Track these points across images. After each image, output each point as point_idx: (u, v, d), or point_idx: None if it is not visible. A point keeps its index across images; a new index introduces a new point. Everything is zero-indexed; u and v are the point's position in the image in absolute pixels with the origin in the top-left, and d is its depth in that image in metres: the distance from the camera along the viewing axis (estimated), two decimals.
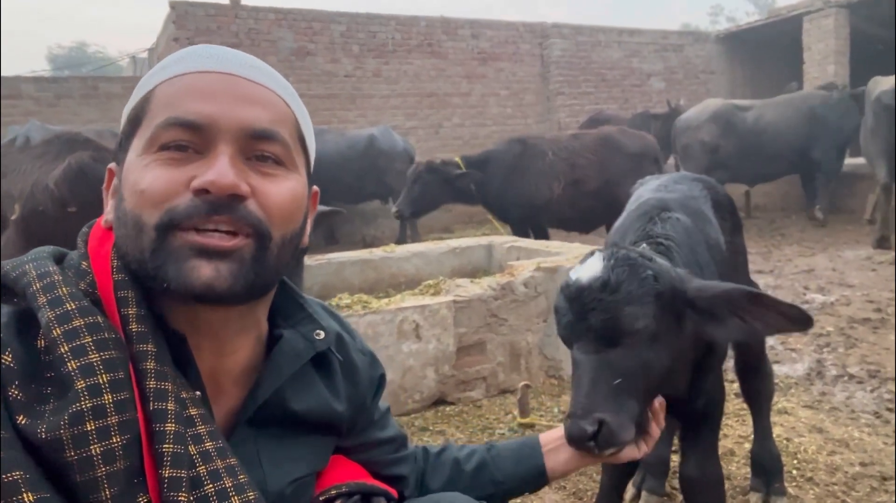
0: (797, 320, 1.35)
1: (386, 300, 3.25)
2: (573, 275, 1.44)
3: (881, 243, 6.60)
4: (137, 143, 0.79)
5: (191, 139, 0.77)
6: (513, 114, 12.11)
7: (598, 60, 12.66)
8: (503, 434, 3.00)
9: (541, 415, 3.16)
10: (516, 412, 3.12)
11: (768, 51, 13.59)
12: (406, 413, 3.19)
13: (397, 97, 11.04)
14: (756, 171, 8.72)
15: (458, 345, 3.31)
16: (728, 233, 2.05)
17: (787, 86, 10.52)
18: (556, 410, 3.23)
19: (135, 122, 0.81)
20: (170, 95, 0.79)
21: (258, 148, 0.80)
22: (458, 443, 2.93)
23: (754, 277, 6.21)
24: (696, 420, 1.86)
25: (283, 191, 0.81)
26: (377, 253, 4.44)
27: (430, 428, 3.10)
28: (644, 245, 1.69)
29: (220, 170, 0.75)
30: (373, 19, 10.89)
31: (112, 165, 0.86)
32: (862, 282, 5.52)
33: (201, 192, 0.74)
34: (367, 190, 8.86)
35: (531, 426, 3.03)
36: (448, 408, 3.30)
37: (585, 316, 1.37)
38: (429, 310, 3.19)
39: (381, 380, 1.13)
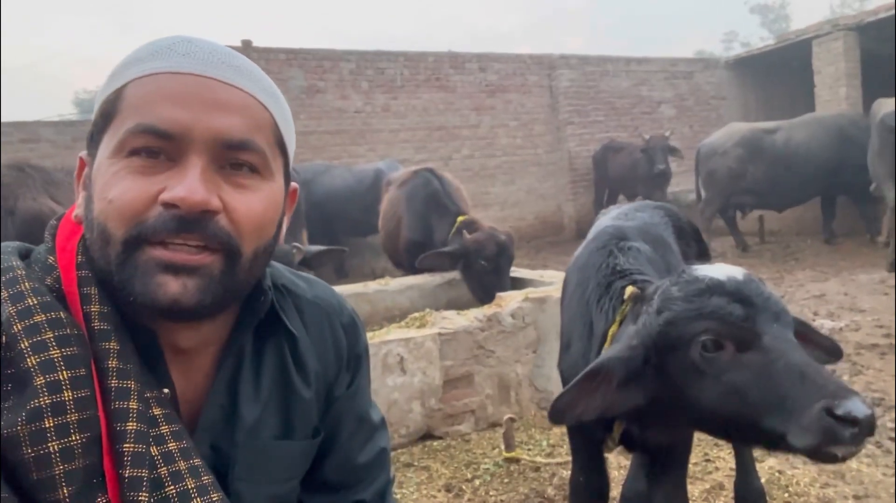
0: (832, 351, 1.42)
1: (370, 334, 3.24)
2: (721, 276, 1.34)
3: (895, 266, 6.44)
4: (108, 143, 0.76)
5: (162, 146, 0.74)
6: (522, 144, 12.16)
7: (606, 89, 12.70)
8: (487, 468, 2.95)
9: (528, 449, 3.10)
10: (503, 446, 3.06)
11: (779, 75, 13.51)
12: (392, 448, 3.14)
13: (407, 131, 11.15)
14: (786, 195, 8.49)
15: (445, 377, 3.28)
16: (693, 259, 2.02)
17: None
18: (544, 443, 3.17)
19: (106, 117, 0.77)
20: (141, 97, 0.75)
21: (232, 157, 0.77)
22: (441, 478, 2.90)
23: None
24: (663, 452, 1.81)
25: (254, 205, 0.79)
26: (372, 286, 4.44)
27: (416, 463, 3.06)
28: (617, 286, 1.66)
29: (191, 185, 0.72)
30: (381, 56, 11.08)
31: (83, 154, 0.83)
32: (873, 307, 5.37)
33: (171, 206, 0.72)
34: (375, 223, 8.85)
35: (516, 461, 2.97)
36: (435, 443, 3.25)
37: (767, 304, 1.29)
38: (413, 342, 3.17)
39: (356, 357, 1.02)
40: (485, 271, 4.46)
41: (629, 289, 1.61)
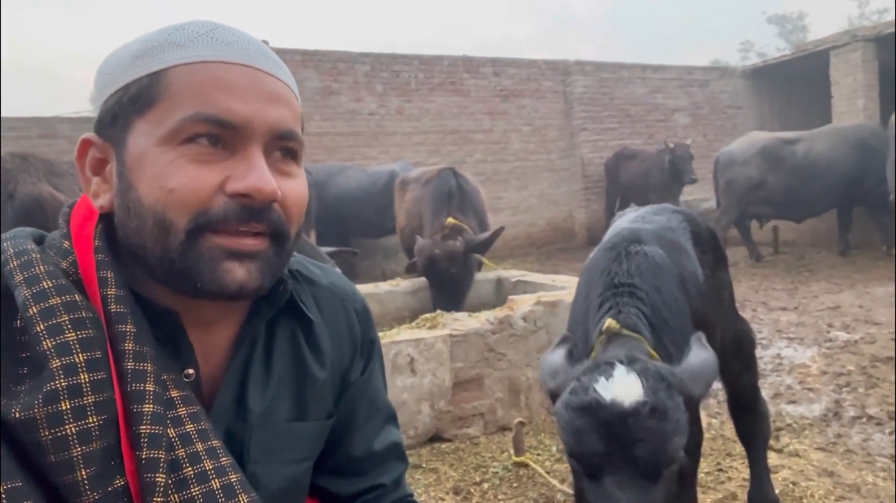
0: None
1: (381, 334, 3.22)
2: (606, 395, 1.24)
3: None
4: (151, 129, 0.74)
5: (221, 135, 0.75)
6: (536, 149, 12.13)
7: (621, 96, 12.65)
8: (496, 472, 2.93)
9: (538, 454, 3.07)
10: (512, 450, 3.04)
11: (796, 85, 13.42)
12: None
13: (420, 134, 11.16)
14: (805, 206, 8.39)
15: (455, 380, 3.26)
16: (709, 266, 1.99)
17: None
18: (554, 449, 3.14)
19: (142, 100, 0.75)
20: (195, 86, 0.75)
21: (281, 146, 0.80)
22: (450, 480, 2.88)
23: (777, 314, 6.05)
24: None
25: (298, 190, 0.82)
26: (383, 286, 4.43)
27: (424, 465, 3.04)
28: (608, 306, 1.62)
29: (263, 176, 0.75)
30: (396, 59, 11.09)
31: (92, 136, 0.80)
32: (889, 320, 5.30)
33: (240, 196, 0.74)
34: (388, 225, 8.90)
35: (525, 466, 2.94)
36: (444, 446, 3.23)
37: (630, 446, 1.19)
38: (424, 343, 3.15)
39: (369, 343, 1.05)
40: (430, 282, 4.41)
41: (608, 322, 1.57)
